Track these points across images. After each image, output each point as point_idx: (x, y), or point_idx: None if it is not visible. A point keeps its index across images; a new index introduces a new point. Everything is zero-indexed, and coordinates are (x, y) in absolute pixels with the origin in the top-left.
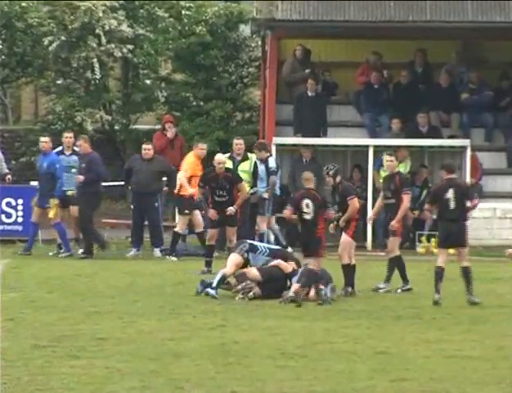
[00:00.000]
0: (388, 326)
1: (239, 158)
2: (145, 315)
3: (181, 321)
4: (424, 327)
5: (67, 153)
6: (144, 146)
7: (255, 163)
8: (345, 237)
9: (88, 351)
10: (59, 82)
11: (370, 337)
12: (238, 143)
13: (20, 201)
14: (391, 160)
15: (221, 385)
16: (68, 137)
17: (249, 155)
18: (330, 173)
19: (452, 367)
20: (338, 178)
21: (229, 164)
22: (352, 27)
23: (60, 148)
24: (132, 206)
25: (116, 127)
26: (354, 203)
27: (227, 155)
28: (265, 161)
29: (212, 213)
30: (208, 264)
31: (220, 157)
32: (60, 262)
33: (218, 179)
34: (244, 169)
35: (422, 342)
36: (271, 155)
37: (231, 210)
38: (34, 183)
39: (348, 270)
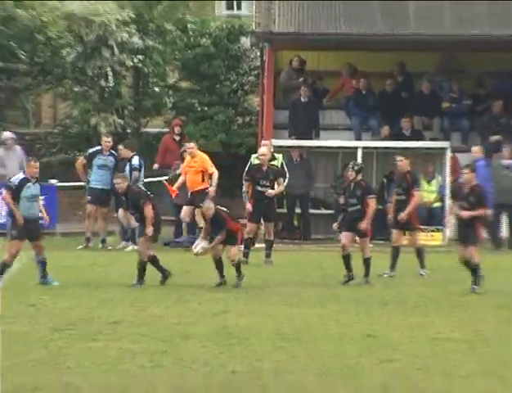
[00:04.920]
0: (375, 311)
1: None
2: (155, 302)
3: (188, 307)
4: (408, 312)
5: (105, 153)
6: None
7: (282, 163)
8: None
9: (103, 334)
10: (76, 89)
11: (359, 322)
12: (265, 145)
13: (41, 198)
14: (401, 160)
15: (223, 364)
16: (107, 141)
17: (276, 155)
18: (356, 168)
19: (434, 348)
20: (359, 176)
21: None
22: (342, 39)
23: (98, 148)
24: None
25: (128, 130)
26: (373, 202)
27: (256, 155)
28: (129, 159)
29: (248, 206)
30: (246, 255)
31: (263, 150)
32: (76, 253)
33: (263, 171)
34: None
35: (406, 326)
36: (136, 154)
37: (269, 192)
38: (53, 181)
39: (369, 263)
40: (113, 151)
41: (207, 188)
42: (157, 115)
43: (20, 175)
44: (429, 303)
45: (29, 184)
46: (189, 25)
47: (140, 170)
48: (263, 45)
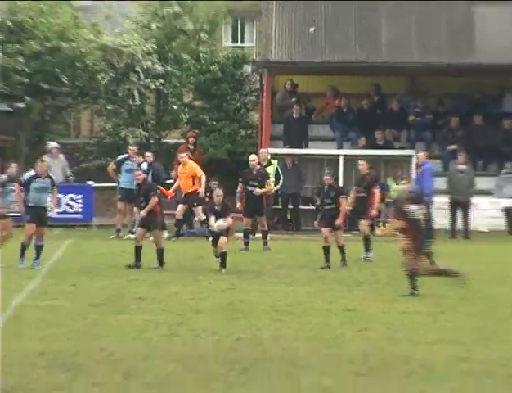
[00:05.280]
0: (354, 289)
1: (264, 163)
2: (173, 281)
3: (200, 285)
4: (381, 290)
5: (132, 159)
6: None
7: (277, 168)
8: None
9: (130, 308)
10: (108, 107)
11: (341, 298)
12: (262, 153)
13: (80, 196)
14: (362, 164)
15: (229, 333)
16: (132, 149)
17: (272, 161)
18: (330, 173)
19: (403, 320)
20: (332, 180)
21: None
22: (326, 66)
23: (125, 155)
24: None
25: (151, 141)
26: (344, 201)
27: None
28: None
29: (238, 204)
30: (246, 243)
31: (253, 156)
32: (109, 242)
33: (252, 174)
34: (269, 171)
35: (380, 301)
36: (145, 160)
37: (256, 191)
38: (90, 183)
39: (343, 249)
40: (148, 160)
41: (197, 190)
42: (175, 129)
43: (32, 172)
44: (399, 282)
45: (38, 179)
46: (201, 55)
47: (147, 173)
48: (262, 71)
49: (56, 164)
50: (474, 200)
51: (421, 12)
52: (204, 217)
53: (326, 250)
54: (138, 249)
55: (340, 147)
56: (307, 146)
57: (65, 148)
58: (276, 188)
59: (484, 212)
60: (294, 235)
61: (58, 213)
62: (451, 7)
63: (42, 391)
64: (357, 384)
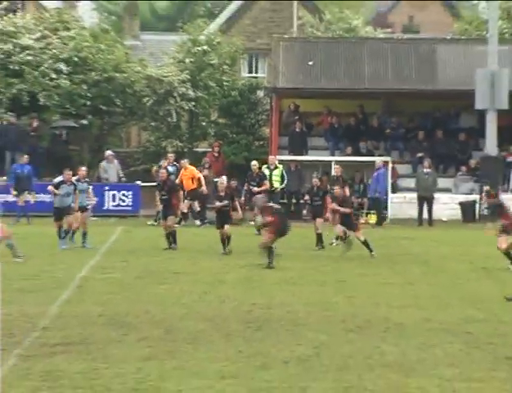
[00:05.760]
0: (344, 265)
1: (272, 167)
2: (202, 258)
3: (224, 262)
4: (365, 266)
5: (170, 164)
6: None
7: (282, 170)
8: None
9: (169, 280)
10: (152, 124)
11: (333, 272)
12: (271, 159)
13: (130, 193)
14: (337, 168)
15: (246, 299)
16: (170, 156)
17: (279, 165)
18: (318, 177)
19: (381, 289)
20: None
21: (266, 172)
22: (322, 92)
23: (163, 162)
24: None
25: (185, 149)
26: (329, 199)
27: (266, 165)
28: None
29: (241, 199)
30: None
31: (254, 162)
32: (153, 228)
33: (253, 176)
34: (276, 173)
35: (363, 275)
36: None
37: (254, 189)
38: (138, 182)
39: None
40: (175, 163)
41: (196, 188)
42: (204, 140)
43: (60, 178)
44: (379, 260)
45: (63, 185)
46: (224, 83)
47: (173, 174)
48: (272, 95)
49: (111, 168)
50: (437, 195)
51: (395, 49)
52: (198, 209)
53: (319, 235)
54: (168, 235)
55: (332, 155)
56: (307, 154)
57: (119, 155)
58: (281, 186)
59: (444, 205)
60: (295, 224)
61: (113, 206)
62: (419, 46)
63: (100, 344)
64: (346, 338)
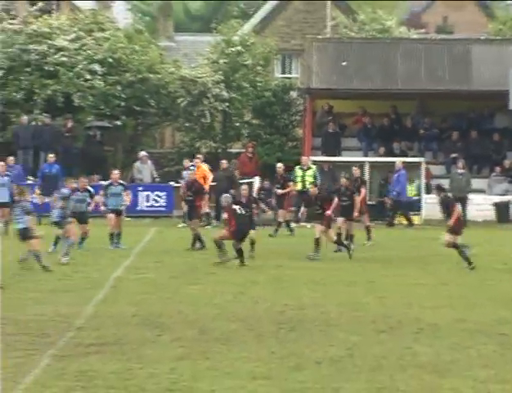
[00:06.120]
0: (371, 266)
1: (305, 167)
2: (235, 260)
3: (255, 264)
4: (394, 267)
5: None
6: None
7: (314, 171)
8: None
9: (201, 280)
10: (186, 124)
11: (363, 272)
12: (304, 160)
13: (163, 193)
14: (356, 169)
15: (277, 299)
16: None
17: (312, 166)
18: (347, 177)
19: (412, 289)
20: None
21: (299, 172)
22: (355, 93)
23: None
24: None
25: (219, 150)
26: (357, 197)
27: (299, 166)
28: None
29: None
30: (291, 230)
31: (279, 164)
32: (185, 229)
33: (278, 178)
34: (309, 174)
35: (392, 276)
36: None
37: (278, 192)
38: (171, 183)
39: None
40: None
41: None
42: (237, 141)
43: (74, 185)
44: (407, 261)
45: (77, 192)
46: (258, 83)
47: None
48: (305, 96)
49: (145, 169)
50: (471, 196)
51: (429, 50)
52: (207, 210)
53: (338, 235)
54: (196, 236)
55: (366, 155)
56: (340, 155)
57: (153, 156)
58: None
59: (478, 206)
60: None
61: (146, 206)
62: (453, 46)
63: (134, 344)
64: (378, 339)
